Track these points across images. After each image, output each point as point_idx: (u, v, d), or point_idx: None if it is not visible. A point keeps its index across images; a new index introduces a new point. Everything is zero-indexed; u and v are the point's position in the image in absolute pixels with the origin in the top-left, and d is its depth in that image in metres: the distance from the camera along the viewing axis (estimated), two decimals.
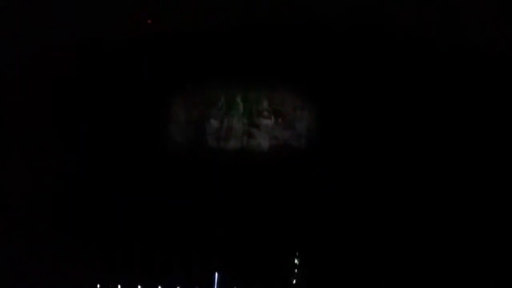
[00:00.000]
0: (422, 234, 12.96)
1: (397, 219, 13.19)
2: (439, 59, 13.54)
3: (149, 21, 13.93)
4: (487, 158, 12.94)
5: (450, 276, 12.72)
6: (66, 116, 14.04)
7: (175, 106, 14.44)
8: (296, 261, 13.58)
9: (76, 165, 13.76)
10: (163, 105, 14.31)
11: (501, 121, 13.26)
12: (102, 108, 13.97)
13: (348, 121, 13.93)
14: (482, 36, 13.02)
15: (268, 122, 14.42)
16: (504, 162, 12.96)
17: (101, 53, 13.80)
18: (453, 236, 12.76)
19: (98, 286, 13.38)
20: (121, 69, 13.92)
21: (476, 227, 12.71)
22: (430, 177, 13.28)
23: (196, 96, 14.47)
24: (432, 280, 12.74)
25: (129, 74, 13.98)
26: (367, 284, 13.04)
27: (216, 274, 13.42)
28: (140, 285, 13.39)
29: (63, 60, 13.56)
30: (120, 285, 13.42)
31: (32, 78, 13.57)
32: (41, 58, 13.40)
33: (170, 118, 14.39)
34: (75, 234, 13.49)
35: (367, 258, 13.18)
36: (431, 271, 12.89)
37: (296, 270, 13.60)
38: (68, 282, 12.94)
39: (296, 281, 13.57)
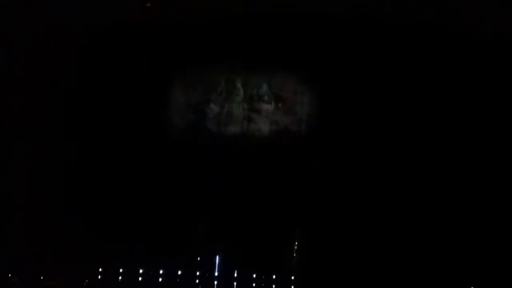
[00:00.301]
0: (424, 222, 12.93)
1: (399, 208, 13.19)
2: (440, 46, 13.40)
3: (148, 5, 13.79)
4: (492, 151, 12.93)
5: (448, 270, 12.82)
6: (66, 101, 14.03)
7: (175, 91, 14.40)
8: (296, 245, 13.64)
9: (75, 152, 13.79)
10: (163, 91, 14.27)
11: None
12: (100, 94, 13.97)
13: (349, 106, 13.84)
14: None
15: (268, 107, 14.35)
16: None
17: (99, 38, 13.73)
18: (452, 227, 12.83)
19: (100, 269, 13.54)
20: (120, 55, 13.87)
21: (476, 224, 12.74)
22: (432, 165, 13.21)
23: (196, 81, 14.41)
24: (431, 269, 12.85)
25: (128, 60, 13.92)
26: (369, 271, 13.12)
27: (217, 257, 13.54)
28: (142, 269, 13.54)
29: (60, 47, 13.52)
30: (122, 268, 13.58)
31: (29, 68, 13.57)
32: (39, 47, 13.38)
33: (170, 103, 14.36)
34: (77, 217, 13.55)
35: (368, 245, 13.18)
36: (432, 259, 12.95)
37: (295, 255, 13.68)
38: (70, 266, 13.11)
39: (296, 264, 13.66)
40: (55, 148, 13.69)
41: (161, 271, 13.38)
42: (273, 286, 13.37)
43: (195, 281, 13.43)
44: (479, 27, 12.94)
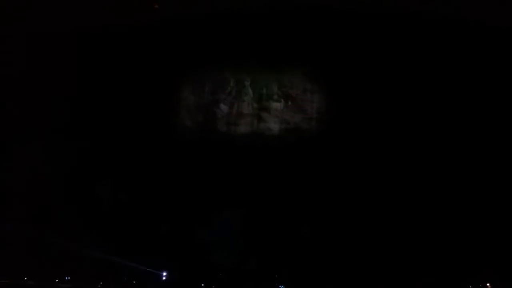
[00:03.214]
0: (425, 208, 13.21)
1: (407, 202, 13.29)
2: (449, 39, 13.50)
3: (155, 6, 13.76)
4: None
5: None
6: (78, 99, 14.02)
7: (185, 91, 14.40)
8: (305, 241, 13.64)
9: (87, 149, 13.75)
10: (172, 91, 14.27)
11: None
12: (112, 93, 13.95)
13: (357, 103, 13.89)
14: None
15: (278, 105, 14.36)
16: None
17: (111, 39, 13.70)
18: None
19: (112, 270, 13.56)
20: (131, 54, 13.88)
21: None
22: (438, 155, 13.43)
23: (206, 81, 14.40)
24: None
25: (139, 60, 13.92)
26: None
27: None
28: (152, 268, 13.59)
29: (71, 47, 13.50)
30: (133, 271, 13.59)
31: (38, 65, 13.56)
32: (48, 44, 13.37)
33: (180, 103, 14.35)
34: (87, 219, 13.55)
35: (374, 233, 13.30)
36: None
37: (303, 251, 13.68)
38: (84, 268, 13.14)
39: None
40: (62, 146, 13.64)
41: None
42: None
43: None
44: (480, 17, 13.06)
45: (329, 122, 14.17)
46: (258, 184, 13.73)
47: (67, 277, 13.21)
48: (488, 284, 13.03)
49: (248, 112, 14.39)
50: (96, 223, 13.40)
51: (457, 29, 13.46)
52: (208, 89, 14.42)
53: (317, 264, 13.37)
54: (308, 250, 13.46)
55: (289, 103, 14.38)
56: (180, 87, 14.37)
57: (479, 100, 13.46)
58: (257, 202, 13.64)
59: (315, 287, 13.36)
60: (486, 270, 12.93)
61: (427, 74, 13.75)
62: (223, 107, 14.40)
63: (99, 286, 13.27)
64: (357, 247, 13.27)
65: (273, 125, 14.36)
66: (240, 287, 13.49)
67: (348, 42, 13.84)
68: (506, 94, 13.39)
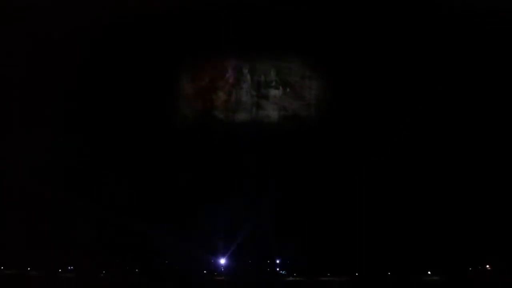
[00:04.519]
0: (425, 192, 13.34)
1: (406, 187, 13.38)
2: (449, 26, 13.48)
3: None
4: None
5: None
6: (78, 89, 14.01)
7: (183, 79, 14.36)
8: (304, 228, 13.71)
9: (87, 136, 13.76)
10: (172, 79, 14.24)
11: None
12: (111, 83, 13.92)
13: (356, 89, 13.89)
14: None
15: (276, 92, 14.36)
16: None
17: (108, 28, 13.60)
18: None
19: (117, 260, 13.64)
20: (129, 43, 13.83)
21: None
22: (437, 138, 13.53)
23: (203, 69, 14.36)
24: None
25: (137, 49, 13.88)
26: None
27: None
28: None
29: (73, 37, 13.44)
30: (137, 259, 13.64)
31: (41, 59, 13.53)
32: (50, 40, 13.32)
33: (179, 91, 14.33)
34: (90, 209, 13.55)
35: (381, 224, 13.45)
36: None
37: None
38: (87, 258, 13.20)
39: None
40: (60, 135, 13.63)
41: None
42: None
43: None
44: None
45: (328, 109, 14.16)
46: (258, 171, 13.78)
47: (70, 267, 13.28)
48: (487, 266, 13.15)
49: (247, 100, 14.38)
50: (98, 212, 13.43)
51: (457, 17, 13.43)
52: (206, 77, 14.38)
53: (315, 250, 13.50)
54: (307, 236, 13.56)
55: (288, 90, 14.37)
56: (179, 75, 14.32)
57: (479, 92, 13.53)
58: (257, 188, 13.69)
59: (316, 273, 13.48)
60: (485, 251, 13.01)
61: (425, 60, 13.74)
62: (222, 95, 14.38)
63: (102, 275, 13.33)
64: (357, 231, 13.33)
65: (272, 112, 14.36)
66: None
67: (347, 29, 13.78)
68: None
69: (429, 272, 13.18)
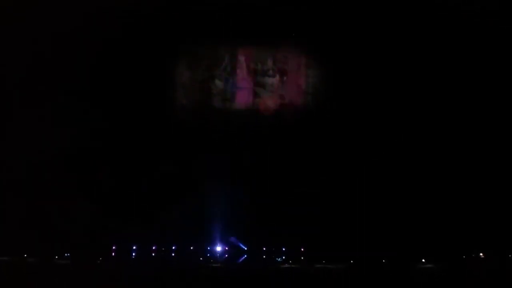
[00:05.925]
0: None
1: (401, 177, 13.42)
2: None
3: None
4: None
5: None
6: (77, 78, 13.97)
7: (180, 68, 14.33)
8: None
9: (82, 123, 13.74)
10: (168, 67, 14.20)
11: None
12: (107, 72, 13.88)
13: (353, 78, 13.89)
14: None
15: (273, 80, 14.35)
16: None
17: (106, 17, 13.55)
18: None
19: (114, 247, 13.67)
20: (126, 32, 13.74)
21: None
22: (436, 124, 13.60)
23: (200, 58, 14.34)
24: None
25: (134, 37, 13.82)
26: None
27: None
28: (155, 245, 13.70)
29: (64, 24, 13.40)
30: (135, 245, 13.69)
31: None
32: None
33: (175, 80, 14.30)
34: (86, 197, 13.60)
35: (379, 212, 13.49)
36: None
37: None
38: (83, 245, 13.26)
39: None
40: (58, 122, 13.64)
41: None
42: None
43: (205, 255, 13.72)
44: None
45: (325, 97, 14.16)
46: (255, 160, 13.81)
47: (67, 254, 13.34)
48: (481, 254, 13.23)
49: (243, 88, 14.38)
50: (96, 199, 13.46)
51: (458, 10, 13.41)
52: (203, 65, 14.35)
53: (311, 238, 13.51)
54: (304, 225, 13.59)
55: (285, 78, 14.36)
56: (174, 64, 14.29)
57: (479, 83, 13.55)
58: (254, 177, 13.72)
59: (312, 260, 13.55)
60: (479, 240, 13.08)
61: (423, 48, 13.76)
62: (218, 83, 14.37)
63: (98, 261, 13.39)
64: (352, 219, 13.35)
65: (269, 100, 14.36)
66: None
67: (344, 16, 13.76)
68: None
69: (423, 260, 13.24)
